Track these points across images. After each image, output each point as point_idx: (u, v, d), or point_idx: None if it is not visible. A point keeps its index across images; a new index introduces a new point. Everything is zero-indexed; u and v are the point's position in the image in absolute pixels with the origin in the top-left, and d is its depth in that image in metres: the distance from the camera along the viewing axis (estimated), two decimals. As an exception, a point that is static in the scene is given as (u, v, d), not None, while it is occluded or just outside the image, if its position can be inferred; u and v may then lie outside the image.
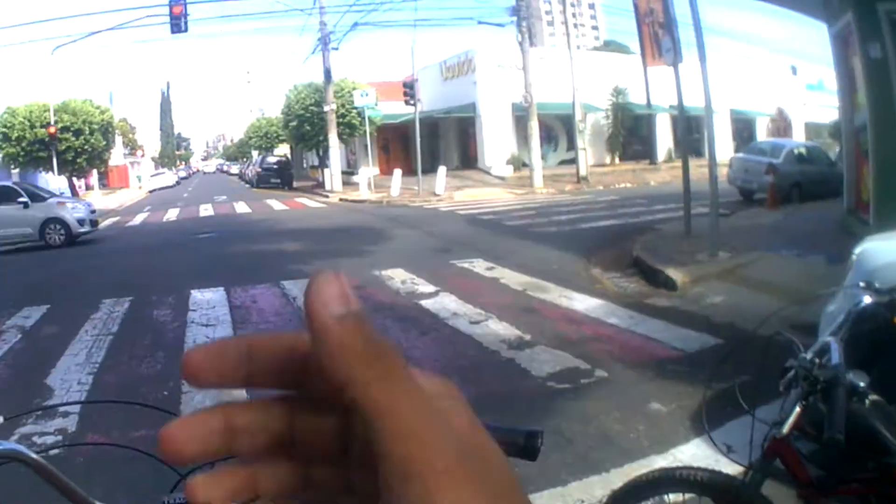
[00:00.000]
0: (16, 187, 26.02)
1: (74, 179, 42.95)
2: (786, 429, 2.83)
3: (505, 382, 7.16)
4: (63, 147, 38.14)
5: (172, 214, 36.84)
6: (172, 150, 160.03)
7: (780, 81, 55.56)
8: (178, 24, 32.64)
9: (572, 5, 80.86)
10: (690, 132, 25.11)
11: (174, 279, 15.45)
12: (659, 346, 8.14)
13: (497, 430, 1.42)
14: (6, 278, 18.58)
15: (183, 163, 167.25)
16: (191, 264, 18.04)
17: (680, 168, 16.87)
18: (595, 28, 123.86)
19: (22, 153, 38.57)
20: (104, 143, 41.47)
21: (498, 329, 9.25)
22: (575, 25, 54.88)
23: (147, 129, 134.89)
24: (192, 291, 13.34)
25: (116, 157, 69.15)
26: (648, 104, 29.55)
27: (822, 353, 2.84)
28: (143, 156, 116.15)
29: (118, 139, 58.78)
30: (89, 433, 6.61)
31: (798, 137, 48.81)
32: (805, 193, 22.45)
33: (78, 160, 39.59)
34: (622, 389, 6.76)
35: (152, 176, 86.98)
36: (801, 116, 55.29)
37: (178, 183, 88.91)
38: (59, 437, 6.45)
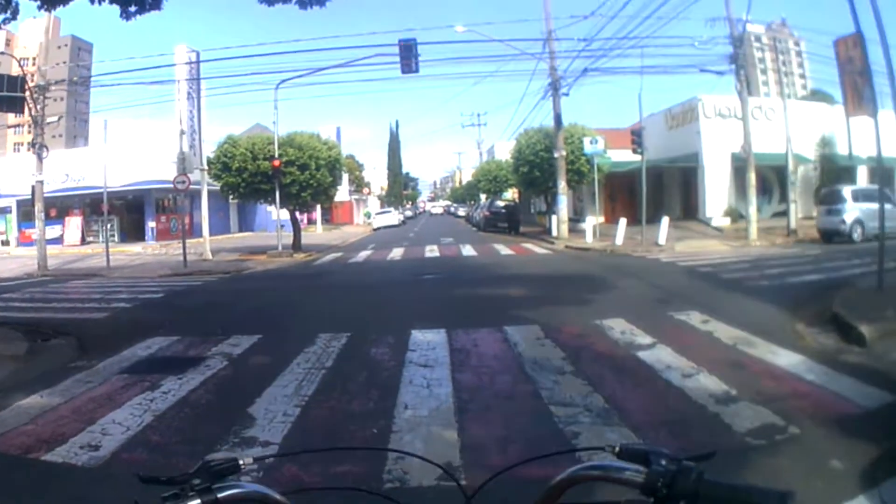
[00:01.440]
0: None
1: (297, 213, 44.07)
2: None
3: (709, 437, 7.29)
4: (287, 180, 39.16)
5: (397, 254, 37.89)
6: (399, 189, 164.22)
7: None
8: (408, 63, 33.31)
9: (782, 53, 79.60)
10: (884, 184, 24.25)
11: (395, 318, 15.68)
12: (846, 403, 8.27)
13: (749, 491, 1.57)
14: (214, 307, 19.21)
15: (409, 202, 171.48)
16: (413, 304, 18.26)
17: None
18: (803, 76, 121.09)
19: (243, 184, 39.81)
20: (330, 178, 42.34)
21: (708, 384, 9.23)
22: (785, 74, 53.61)
23: (374, 166, 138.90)
24: (413, 331, 13.42)
25: (342, 193, 71.30)
26: (850, 155, 28.75)
27: None
28: (369, 193, 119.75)
29: (344, 176, 60.24)
30: (286, 466, 6.54)
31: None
32: None
33: (302, 194, 40.53)
34: (809, 446, 6.92)
35: (377, 214, 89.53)
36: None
37: (403, 222, 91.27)
38: (255, 465, 6.35)
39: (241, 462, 1.74)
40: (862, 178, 46.99)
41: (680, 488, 1.58)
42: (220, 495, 1.59)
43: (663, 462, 1.64)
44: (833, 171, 46.40)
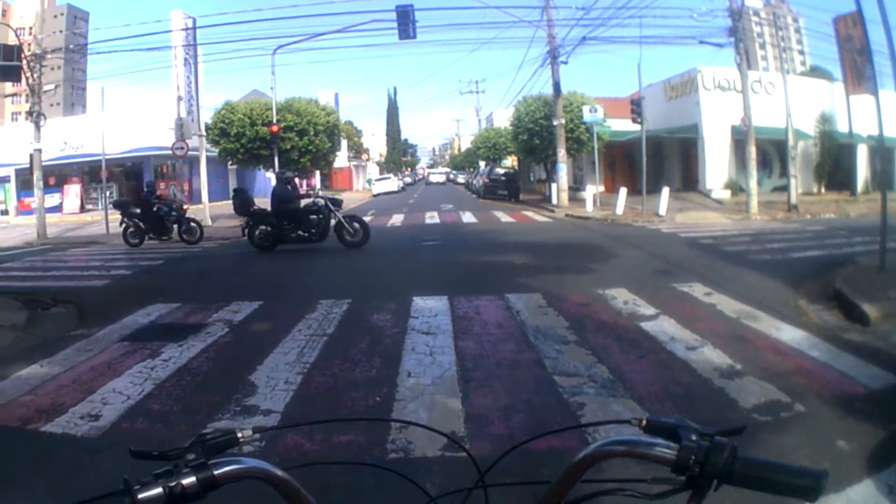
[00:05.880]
0: None
1: (296, 179, 43.97)
2: None
3: (714, 412, 7.16)
4: (286, 146, 39.00)
5: (397, 220, 37.81)
6: (398, 156, 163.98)
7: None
8: (405, 29, 33.06)
9: (781, 28, 79.57)
10: (885, 163, 23.71)
11: (397, 284, 15.57)
12: (850, 382, 8.16)
13: (782, 470, 1.48)
14: (214, 273, 19.10)
15: (408, 169, 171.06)
16: (414, 271, 18.19)
17: (876, 201, 17.19)
18: (802, 53, 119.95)
19: (241, 150, 39.60)
20: (329, 144, 42.27)
21: (712, 357, 9.14)
22: (784, 49, 53.20)
23: (373, 133, 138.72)
24: (415, 298, 13.35)
25: (341, 159, 71.12)
26: (850, 133, 28.17)
27: None
28: (368, 160, 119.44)
29: (343, 142, 60.04)
30: (289, 435, 6.46)
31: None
32: None
33: (301, 160, 40.45)
34: (815, 425, 6.83)
35: (377, 180, 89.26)
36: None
37: (402, 189, 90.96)
38: (257, 436, 6.28)
39: (239, 435, 1.58)
40: (862, 157, 46.67)
41: (713, 466, 1.47)
42: (216, 472, 1.46)
43: (694, 437, 1.53)
44: (833, 148, 46.37)
